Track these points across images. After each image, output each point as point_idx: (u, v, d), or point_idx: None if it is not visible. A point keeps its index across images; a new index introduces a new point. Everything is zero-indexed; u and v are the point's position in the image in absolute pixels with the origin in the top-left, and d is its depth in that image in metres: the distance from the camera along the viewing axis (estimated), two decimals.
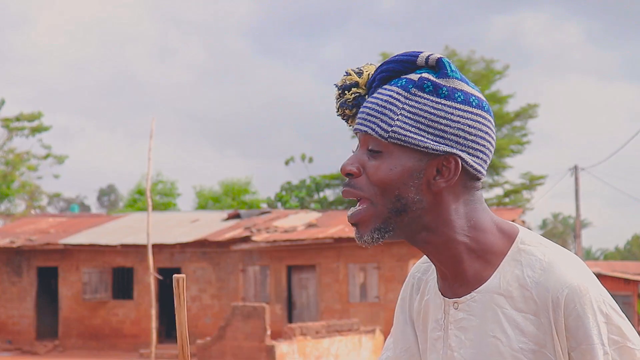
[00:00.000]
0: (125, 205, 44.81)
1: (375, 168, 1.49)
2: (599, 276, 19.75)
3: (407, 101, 1.50)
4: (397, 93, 1.51)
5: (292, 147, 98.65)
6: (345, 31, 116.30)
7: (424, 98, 1.50)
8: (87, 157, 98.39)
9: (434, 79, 1.51)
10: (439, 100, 1.49)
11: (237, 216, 26.62)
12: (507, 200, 39.02)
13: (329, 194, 43.08)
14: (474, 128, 1.50)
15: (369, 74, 1.60)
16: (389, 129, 1.49)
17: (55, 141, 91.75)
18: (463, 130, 1.49)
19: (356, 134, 1.55)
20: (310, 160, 43.05)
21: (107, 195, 72.44)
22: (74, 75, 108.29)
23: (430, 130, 1.49)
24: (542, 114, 79.38)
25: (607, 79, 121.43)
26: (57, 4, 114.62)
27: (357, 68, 1.62)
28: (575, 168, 30.95)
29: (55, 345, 24.08)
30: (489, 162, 1.54)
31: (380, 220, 1.49)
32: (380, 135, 1.49)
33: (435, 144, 1.48)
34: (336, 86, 1.62)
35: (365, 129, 1.51)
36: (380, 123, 1.50)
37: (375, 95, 1.54)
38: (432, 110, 1.49)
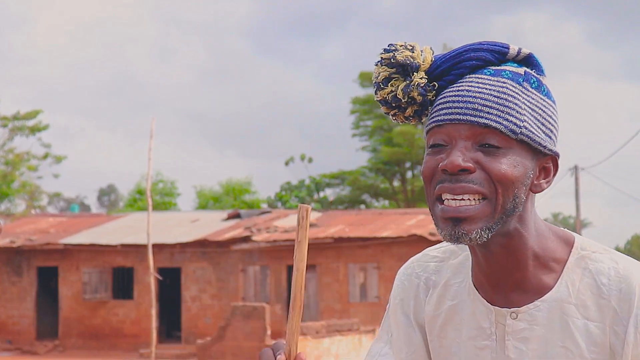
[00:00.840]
0: (125, 205, 44.81)
1: (500, 164, 1.38)
2: None
3: (525, 97, 1.42)
4: (512, 86, 1.41)
5: (292, 147, 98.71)
6: (345, 31, 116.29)
7: (535, 94, 1.43)
8: (87, 157, 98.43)
9: (537, 75, 1.45)
10: (543, 97, 1.45)
11: (237, 216, 26.61)
12: None
13: (329, 193, 43.10)
14: (559, 127, 1.48)
15: (431, 58, 1.46)
16: (521, 124, 1.39)
17: (56, 141, 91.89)
18: (558, 129, 1.47)
19: (438, 127, 1.42)
20: (310, 160, 43.07)
21: (107, 195, 72.45)
22: (74, 75, 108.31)
23: (544, 128, 1.43)
24: None
25: (607, 79, 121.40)
26: (57, 4, 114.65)
27: (404, 46, 1.46)
28: (575, 168, 30.94)
29: (55, 345, 24.08)
30: None
31: (493, 219, 1.39)
32: (511, 130, 1.38)
33: (549, 143, 1.44)
34: (383, 63, 1.45)
35: (487, 121, 1.38)
36: (509, 117, 1.39)
37: (474, 84, 1.42)
38: (544, 108, 1.44)
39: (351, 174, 40.18)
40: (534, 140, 1.41)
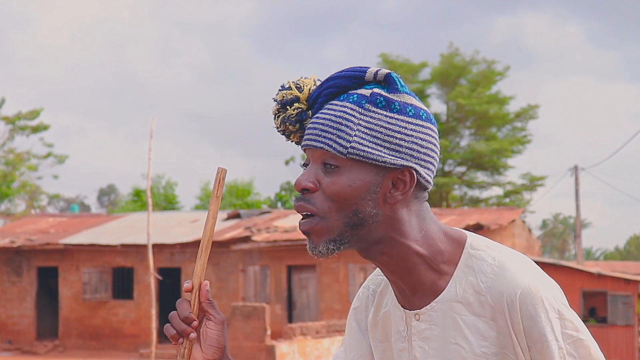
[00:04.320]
0: (125, 206, 44.80)
1: (332, 183, 1.50)
2: (599, 276, 19.72)
3: (362, 117, 1.51)
4: (351, 109, 1.52)
5: (292, 147, 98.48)
6: (347, 32, 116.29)
7: (378, 113, 1.51)
8: (87, 157, 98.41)
9: (386, 94, 1.52)
10: (392, 115, 1.51)
11: (237, 216, 26.61)
12: (507, 200, 39.02)
13: None
14: (425, 141, 1.53)
15: (309, 89, 1.60)
16: (348, 145, 1.50)
17: (57, 141, 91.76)
18: (416, 143, 1.52)
19: (304, 150, 1.56)
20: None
21: (107, 195, 72.41)
22: (76, 75, 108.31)
23: (387, 144, 1.51)
24: (542, 114, 79.27)
25: (607, 79, 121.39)
26: (59, 5, 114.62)
27: (295, 82, 1.62)
28: (575, 168, 30.93)
29: (55, 345, 24.07)
30: (435, 172, 1.59)
31: (335, 233, 1.52)
32: (338, 151, 1.50)
33: (393, 158, 1.50)
34: (275, 101, 1.62)
35: (321, 145, 1.51)
36: (337, 139, 1.50)
37: (325, 110, 1.54)
38: (387, 125, 1.51)
39: None
40: (366, 157, 1.50)
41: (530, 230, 27.71)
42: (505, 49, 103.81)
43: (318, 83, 1.61)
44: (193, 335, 1.55)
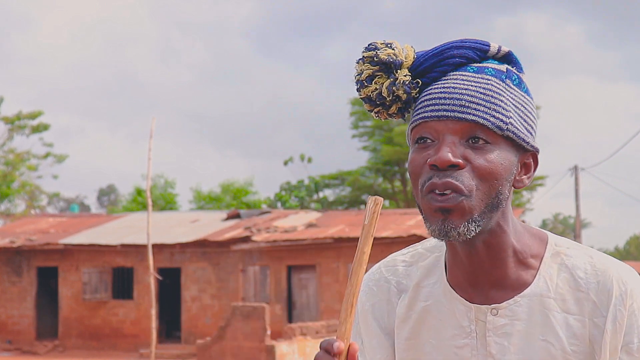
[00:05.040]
0: (125, 205, 44.80)
1: (487, 161, 1.39)
2: None
3: (509, 93, 1.43)
4: (497, 83, 1.43)
5: (292, 147, 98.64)
6: (347, 32, 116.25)
7: (516, 91, 1.45)
8: (87, 157, 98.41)
9: (517, 73, 1.47)
10: (524, 94, 1.46)
11: (237, 216, 26.60)
12: None
13: (329, 194, 43.08)
14: (537, 123, 1.50)
15: (413, 56, 1.46)
16: (507, 120, 1.40)
17: (57, 141, 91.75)
18: (537, 126, 1.48)
19: (423, 123, 1.42)
20: (310, 160, 43.03)
21: (107, 195, 72.40)
22: (76, 75, 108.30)
23: (526, 125, 1.44)
24: (542, 114, 79.22)
25: (607, 79, 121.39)
26: (59, 5, 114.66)
27: (384, 44, 1.46)
28: (575, 168, 30.94)
29: (55, 345, 24.07)
30: None
31: (479, 213, 1.39)
32: (497, 126, 1.39)
33: (531, 139, 1.45)
34: (374, 62, 1.45)
35: (473, 117, 1.39)
36: (494, 113, 1.40)
37: (460, 81, 1.42)
38: (525, 105, 1.45)
39: (350, 175, 40.15)
40: (519, 136, 1.42)
41: None
42: None
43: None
44: None
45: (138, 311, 23.81)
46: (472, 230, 1.39)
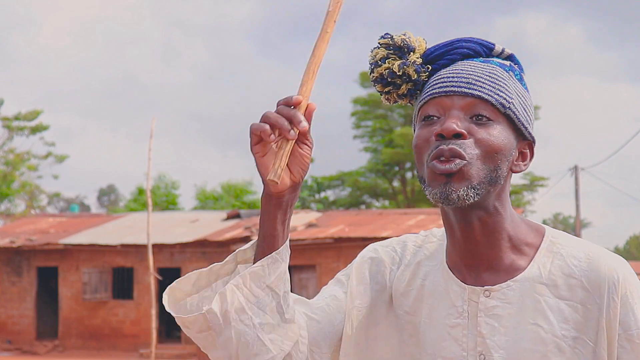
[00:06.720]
0: (127, 205, 44.80)
1: (489, 135, 1.48)
2: None
3: (512, 82, 1.53)
4: (501, 72, 1.53)
5: None
6: (347, 33, 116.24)
7: (518, 83, 1.55)
8: (87, 157, 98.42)
9: (519, 70, 1.58)
10: (524, 89, 1.56)
11: (237, 216, 26.59)
12: None
13: (330, 194, 43.08)
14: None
15: (425, 46, 1.58)
16: (510, 100, 1.50)
17: (58, 141, 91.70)
18: (533, 122, 1.58)
19: (431, 100, 1.51)
20: (311, 160, 43.02)
21: (107, 195, 72.40)
22: (77, 75, 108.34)
23: (525, 114, 1.54)
24: (542, 115, 79.27)
25: (607, 80, 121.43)
26: (61, 6, 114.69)
27: (398, 35, 1.58)
28: (575, 168, 30.93)
29: (55, 345, 24.06)
30: None
31: (476, 181, 1.46)
32: (500, 103, 1.49)
33: (531, 128, 1.56)
34: (388, 46, 1.56)
35: (479, 93, 1.49)
36: (499, 92, 1.50)
37: (468, 66, 1.53)
38: (526, 98, 1.55)
39: (351, 175, 40.16)
40: (519, 118, 1.52)
41: None
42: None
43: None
44: (293, 133, 1.40)
45: (138, 311, 23.81)
46: (471, 197, 1.45)
